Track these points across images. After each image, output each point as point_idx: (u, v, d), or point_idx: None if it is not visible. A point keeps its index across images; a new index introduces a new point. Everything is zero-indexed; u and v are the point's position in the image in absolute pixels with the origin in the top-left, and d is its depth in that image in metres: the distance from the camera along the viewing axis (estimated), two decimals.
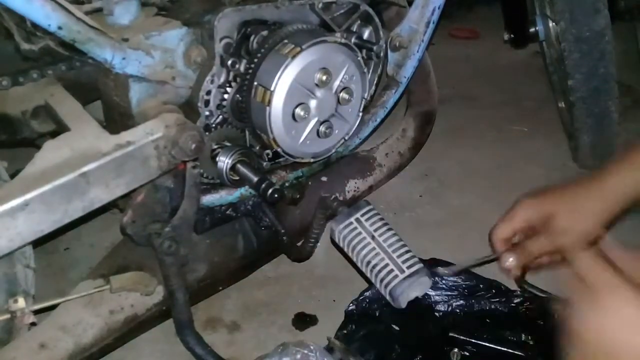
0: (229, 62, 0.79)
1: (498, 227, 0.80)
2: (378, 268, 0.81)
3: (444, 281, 0.93)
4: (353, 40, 0.87)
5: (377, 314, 0.89)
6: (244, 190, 0.88)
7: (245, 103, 0.82)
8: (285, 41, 0.80)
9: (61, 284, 1.03)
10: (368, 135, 1.03)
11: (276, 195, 0.79)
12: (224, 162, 0.82)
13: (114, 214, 1.04)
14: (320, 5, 0.85)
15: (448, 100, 1.68)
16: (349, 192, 1.06)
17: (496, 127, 1.58)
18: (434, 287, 0.91)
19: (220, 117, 0.83)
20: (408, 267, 0.81)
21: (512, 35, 1.51)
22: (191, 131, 0.74)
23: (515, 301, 0.95)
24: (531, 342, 0.89)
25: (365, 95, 0.89)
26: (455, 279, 0.93)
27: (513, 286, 1.01)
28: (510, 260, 0.77)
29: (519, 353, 0.86)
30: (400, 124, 1.16)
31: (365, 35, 0.92)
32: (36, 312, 0.74)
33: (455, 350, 0.86)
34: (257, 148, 0.88)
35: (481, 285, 0.98)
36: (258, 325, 0.98)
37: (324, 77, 0.80)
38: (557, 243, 0.76)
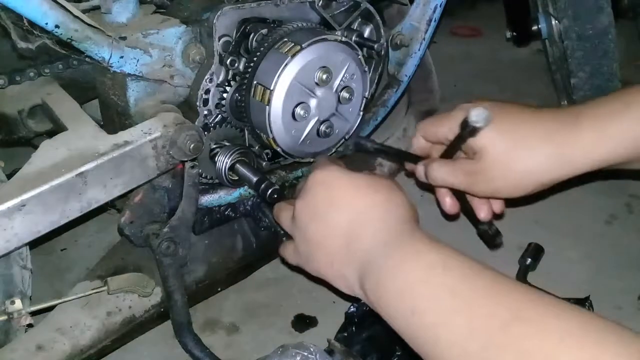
0: (228, 61, 0.79)
1: (423, 122, 0.73)
2: None
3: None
4: (354, 38, 0.86)
5: (377, 316, 0.88)
6: (243, 191, 0.87)
7: (244, 102, 0.81)
8: (285, 39, 0.79)
9: (58, 285, 1.02)
10: (368, 135, 1.02)
11: (276, 196, 0.78)
12: (223, 161, 0.81)
13: (111, 215, 1.03)
14: (321, 3, 0.84)
15: (450, 99, 1.67)
16: None
17: None
18: None
19: (219, 116, 0.82)
20: None
21: (514, 33, 1.51)
22: (190, 131, 0.73)
23: None
24: None
25: (366, 94, 0.88)
26: None
27: None
28: (418, 171, 0.72)
29: None
30: (402, 123, 1.15)
31: (366, 33, 0.91)
32: (33, 314, 0.74)
33: None
34: (257, 148, 0.88)
35: None
36: (257, 326, 0.97)
37: (324, 76, 0.80)
38: (469, 189, 0.67)
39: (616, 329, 0.43)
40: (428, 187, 0.75)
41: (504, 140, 0.63)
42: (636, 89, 0.62)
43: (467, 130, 0.59)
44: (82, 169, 0.66)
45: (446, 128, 0.69)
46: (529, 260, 1.05)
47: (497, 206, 0.73)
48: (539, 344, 0.42)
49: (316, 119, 0.83)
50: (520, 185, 0.64)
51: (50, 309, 0.76)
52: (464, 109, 0.65)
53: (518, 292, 0.47)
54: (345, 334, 0.87)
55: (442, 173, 0.68)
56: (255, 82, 0.79)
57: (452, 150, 0.65)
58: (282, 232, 0.91)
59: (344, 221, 0.60)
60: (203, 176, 0.84)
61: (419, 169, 0.72)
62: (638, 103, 0.60)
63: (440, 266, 0.51)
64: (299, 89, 0.79)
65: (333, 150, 0.89)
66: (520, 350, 0.42)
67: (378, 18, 0.91)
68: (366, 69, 0.86)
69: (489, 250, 0.99)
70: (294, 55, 0.77)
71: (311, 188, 0.64)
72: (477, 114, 0.57)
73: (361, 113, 0.89)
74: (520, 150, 0.62)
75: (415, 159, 0.75)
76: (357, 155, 1.06)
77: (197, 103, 0.79)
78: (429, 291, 0.50)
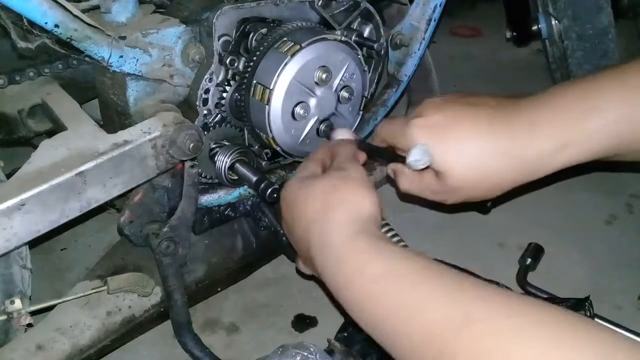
0: (228, 60, 0.79)
1: (383, 125, 0.72)
2: None
3: None
4: (353, 38, 0.86)
5: None
6: (242, 190, 0.87)
7: (244, 102, 0.81)
8: (285, 39, 0.79)
9: (58, 285, 1.02)
10: (368, 135, 1.02)
11: (275, 195, 0.78)
12: (223, 161, 0.81)
13: (111, 214, 1.03)
14: (320, 2, 0.84)
15: None
16: None
17: None
18: None
19: (219, 115, 0.82)
20: None
21: (514, 33, 1.51)
22: (189, 130, 0.73)
23: None
24: None
25: (366, 93, 0.88)
26: None
27: (515, 287, 1.00)
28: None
29: None
30: None
31: (366, 33, 0.91)
32: (33, 314, 0.74)
33: None
34: (256, 147, 0.88)
35: None
36: (257, 326, 0.97)
37: (324, 76, 0.80)
38: (439, 199, 0.68)
39: (574, 323, 0.42)
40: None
41: (460, 162, 0.63)
42: (592, 84, 0.61)
43: (409, 168, 0.60)
44: (82, 168, 0.66)
45: (400, 135, 0.68)
46: (529, 260, 1.05)
47: None
48: (492, 345, 0.42)
49: (316, 118, 0.83)
50: (487, 195, 0.66)
51: (50, 308, 0.76)
52: (414, 124, 0.66)
53: (469, 291, 0.47)
54: (345, 334, 0.87)
55: (413, 189, 0.70)
56: (254, 81, 0.79)
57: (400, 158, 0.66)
58: (282, 231, 0.91)
59: (308, 217, 0.63)
60: (203, 176, 0.84)
61: (390, 173, 0.73)
62: (599, 108, 0.59)
63: (384, 278, 0.51)
64: (298, 88, 0.79)
65: None
66: (477, 353, 0.42)
67: (378, 18, 0.91)
68: (366, 68, 0.86)
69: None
70: (293, 55, 0.77)
71: (290, 181, 0.68)
72: (415, 158, 0.59)
73: (361, 112, 0.89)
74: (479, 167, 0.63)
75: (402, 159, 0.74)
76: None
77: (197, 102, 0.79)
78: (380, 304, 0.51)
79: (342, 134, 0.75)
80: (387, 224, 0.79)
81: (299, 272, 0.74)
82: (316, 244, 0.60)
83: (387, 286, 0.50)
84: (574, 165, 0.62)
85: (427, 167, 0.66)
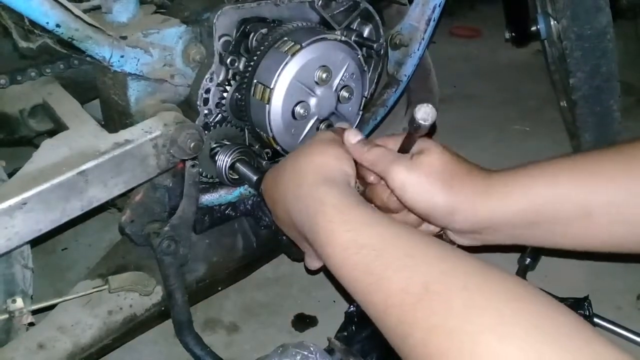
0: (228, 60, 0.79)
1: (355, 147, 0.64)
2: None
3: None
4: (353, 38, 0.86)
5: None
6: (243, 190, 0.87)
7: (244, 101, 0.81)
8: (285, 39, 0.79)
9: (59, 284, 1.03)
10: (368, 134, 1.02)
11: None
12: (223, 160, 0.82)
13: (112, 214, 1.04)
14: (320, 2, 0.85)
15: (449, 100, 1.67)
16: None
17: (497, 127, 1.57)
18: None
19: (220, 115, 0.83)
20: None
21: (513, 34, 1.51)
22: (190, 130, 0.73)
23: None
24: None
25: (366, 93, 0.88)
26: None
27: None
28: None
29: None
30: (401, 123, 1.16)
31: (366, 33, 0.92)
32: (34, 312, 0.74)
33: None
34: (257, 147, 0.88)
35: None
36: (257, 326, 0.97)
37: (324, 75, 0.80)
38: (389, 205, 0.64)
39: (527, 295, 0.42)
40: None
41: (441, 209, 0.60)
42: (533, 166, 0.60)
43: (414, 127, 0.59)
44: (83, 167, 0.67)
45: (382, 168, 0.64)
46: (528, 260, 1.05)
47: None
48: (443, 319, 0.42)
49: (316, 117, 0.83)
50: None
51: (51, 307, 0.77)
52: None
53: (431, 264, 0.47)
54: (346, 333, 0.87)
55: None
56: (255, 81, 0.79)
57: (405, 147, 0.65)
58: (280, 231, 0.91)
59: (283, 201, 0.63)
60: (203, 175, 0.84)
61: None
62: (540, 177, 0.58)
63: (353, 245, 0.51)
64: (298, 88, 0.79)
65: None
66: (428, 327, 0.43)
67: (377, 18, 0.91)
68: (365, 68, 0.86)
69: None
70: (294, 55, 0.77)
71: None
72: (423, 113, 0.58)
73: (360, 112, 0.89)
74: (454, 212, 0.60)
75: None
76: None
77: (198, 102, 0.80)
78: (347, 273, 0.51)
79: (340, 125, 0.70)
80: None
81: (307, 270, 0.73)
82: (298, 218, 0.60)
83: (352, 255, 0.51)
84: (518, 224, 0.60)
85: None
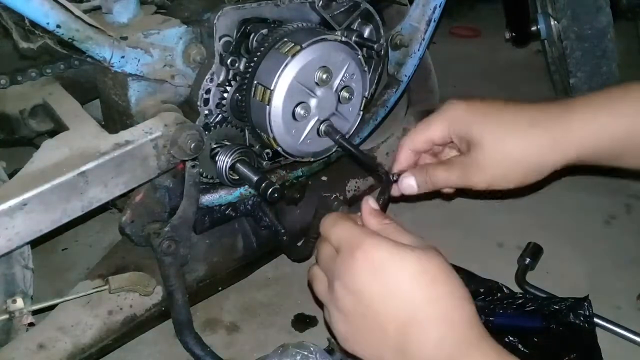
0: (229, 61, 0.79)
1: (410, 135, 0.68)
2: None
3: None
4: (353, 38, 0.86)
5: None
6: (243, 190, 0.87)
7: (245, 102, 0.81)
8: (285, 39, 0.79)
9: (59, 285, 1.03)
10: (368, 135, 1.02)
11: (276, 195, 0.78)
12: (224, 161, 0.82)
13: (112, 214, 1.04)
14: (321, 3, 0.85)
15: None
16: (349, 191, 1.05)
17: None
18: None
19: (220, 116, 0.83)
20: None
21: (513, 34, 1.51)
22: (190, 130, 0.73)
23: (517, 302, 0.95)
24: (534, 342, 0.88)
25: (366, 94, 0.88)
26: None
27: (514, 287, 1.01)
28: (409, 184, 0.67)
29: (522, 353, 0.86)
30: (401, 123, 1.16)
31: (366, 33, 0.92)
32: (34, 313, 0.74)
33: None
34: (257, 147, 0.88)
35: (482, 290, 0.97)
36: (257, 326, 0.97)
37: (325, 76, 0.80)
38: (468, 182, 0.64)
39: None
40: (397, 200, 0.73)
41: (493, 130, 0.62)
42: (636, 84, 0.62)
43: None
44: (84, 168, 0.67)
45: (438, 130, 0.66)
46: (528, 259, 1.05)
47: None
48: None
49: (316, 118, 0.83)
50: (513, 174, 0.63)
51: (51, 308, 0.77)
52: (453, 106, 0.66)
53: None
54: None
55: (441, 173, 0.66)
56: (255, 82, 0.79)
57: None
58: (282, 231, 0.92)
59: (399, 318, 0.51)
60: (204, 175, 0.84)
61: (406, 181, 0.68)
62: (633, 97, 0.60)
63: None
64: (299, 88, 0.79)
65: (333, 150, 0.89)
66: None
67: (378, 18, 0.91)
68: (366, 69, 0.86)
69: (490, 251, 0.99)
70: (294, 55, 0.77)
71: (353, 267, 0.53)
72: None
73: (361, 113, 0.89)
74: (509, 136, 0.61)
75: (385, 175, 0.71)
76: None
77: (198, 103, 0.80)
78: None
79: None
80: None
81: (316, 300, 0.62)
82: (430, 341, 0.50)
83: None
84: (603, 154, 0.62)
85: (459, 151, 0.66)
